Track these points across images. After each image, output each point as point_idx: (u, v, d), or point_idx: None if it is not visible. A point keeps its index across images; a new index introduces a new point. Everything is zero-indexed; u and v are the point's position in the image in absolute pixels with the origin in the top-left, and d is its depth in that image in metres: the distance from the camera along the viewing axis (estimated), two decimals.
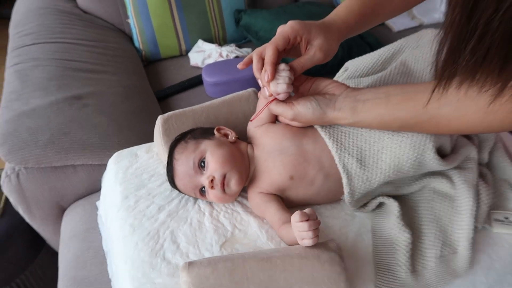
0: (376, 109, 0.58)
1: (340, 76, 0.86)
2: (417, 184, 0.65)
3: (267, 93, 0.60)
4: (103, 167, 0.88)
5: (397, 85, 0.62)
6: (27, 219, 0.92)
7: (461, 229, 0.59)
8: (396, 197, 0.64)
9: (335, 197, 0.65)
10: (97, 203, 0.86)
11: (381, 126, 0.60)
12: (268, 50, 0.59)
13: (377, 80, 0.70)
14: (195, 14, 1.37)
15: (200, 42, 1.37)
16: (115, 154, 0.80)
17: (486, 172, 0.68)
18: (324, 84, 0.63)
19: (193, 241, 0.62)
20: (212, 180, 0.61)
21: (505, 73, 0.36)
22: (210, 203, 0.68)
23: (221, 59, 1.25)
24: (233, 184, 0.62)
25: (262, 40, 1.33)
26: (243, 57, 1.25)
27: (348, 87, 0.62)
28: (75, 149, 0.85)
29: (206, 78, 1.14)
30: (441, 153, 0.63)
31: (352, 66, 0.83)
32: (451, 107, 0.52)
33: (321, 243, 0.52)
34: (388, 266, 0.56)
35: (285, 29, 0.60)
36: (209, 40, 1.41)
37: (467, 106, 0.50)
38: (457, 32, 0.35)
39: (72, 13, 1.34)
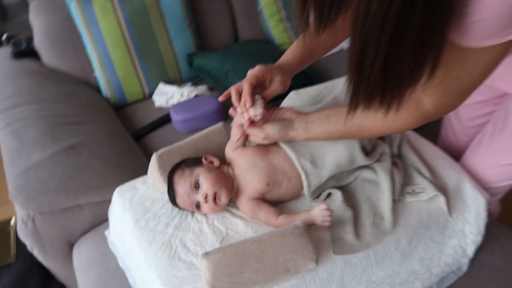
0: (321, 127, 0.83)
1: (285, 102, 1.11)
2: (351, 176, 0.91)
3: (246, 117, 0.82)
4: (104, 202, 1.06)
5: (332, 108, 0.87)
6: (40, 258, 1.06)
7: (384, 202, 0.85)
8: (339, 188, 0.90)
9: (297, 194, 0.89)
10: (106, 232, 1.03)
11: (326, 138, 0.85)
12: (245, 85, 0.81)
13: (314, 110, 0.96)
14: (153, 61, 1.58)
15: (161, 85, 1.58)
16: (117, 189, 0.99)
17: (397, 161, 0.96)
18: (283, 112, 0.87)
19: (198, 243, 0.83)
20: (206, 197, 0.82)
21: (384, 104, 0.62)
22: (204, 214, 0.89)
23: (183, 98, 1.46)
24: (223, 198, 0.84)
25: (215, 78, 1.57)
26: (201, 94, 1.47)
27: (300, 113, 0.87)
28: (81, 191, 1.02)
29: (174, 117, 1.35)
30: (365, 152, 0.90)
31: (296, 96, 1.08)
32: (368, 120, 0.78)
33: (292, 224, 0.76)
34: (340, 235, 0.81)
35: (255, 71, 0.82)
36: (168, 82, 1.62)
37: (376, 119, 0.77)
38: (354, 82, 0.61)
39: (41, 73, 1.50)
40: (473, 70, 0.63)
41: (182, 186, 0.85)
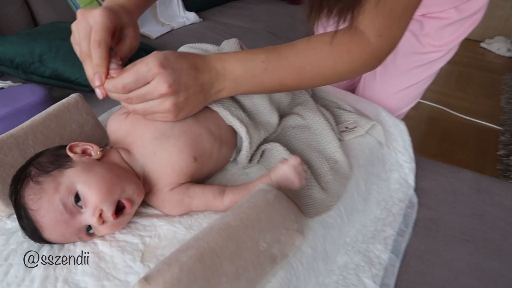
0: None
1: None
2: (278, 128, 0.71)
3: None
4: None
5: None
6: None
7: (329, 143, 0.67)
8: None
9: (224, 162, 0.63)
10: None
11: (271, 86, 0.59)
12: (99, 52, 0.51)
13: None
14: None
15: None
16: None
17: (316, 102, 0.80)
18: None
19: (103, 274, 0.48)
20: (100, 215, 0.48)
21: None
22: None
23: None
24: (137, 199, 0.52)
25: (23, 66, 1.11)
26: (10, 87, 1.01)
27: None
28: None
29: None
30: None
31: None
32: (312, 57, 0.57)
33: (257, 190, 0.50)
34: (305, 194, 0.59)
35: (105, 23, 0.51)
36: None
37: (320, 54, 0.57)
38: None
39: None
40: None
41: (48, 211, 0.47)
